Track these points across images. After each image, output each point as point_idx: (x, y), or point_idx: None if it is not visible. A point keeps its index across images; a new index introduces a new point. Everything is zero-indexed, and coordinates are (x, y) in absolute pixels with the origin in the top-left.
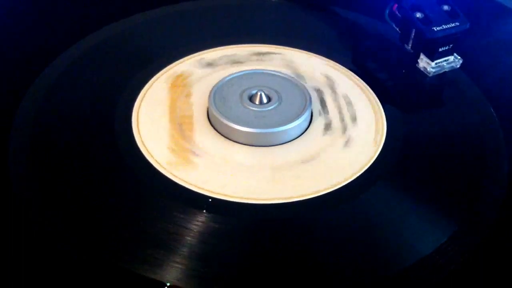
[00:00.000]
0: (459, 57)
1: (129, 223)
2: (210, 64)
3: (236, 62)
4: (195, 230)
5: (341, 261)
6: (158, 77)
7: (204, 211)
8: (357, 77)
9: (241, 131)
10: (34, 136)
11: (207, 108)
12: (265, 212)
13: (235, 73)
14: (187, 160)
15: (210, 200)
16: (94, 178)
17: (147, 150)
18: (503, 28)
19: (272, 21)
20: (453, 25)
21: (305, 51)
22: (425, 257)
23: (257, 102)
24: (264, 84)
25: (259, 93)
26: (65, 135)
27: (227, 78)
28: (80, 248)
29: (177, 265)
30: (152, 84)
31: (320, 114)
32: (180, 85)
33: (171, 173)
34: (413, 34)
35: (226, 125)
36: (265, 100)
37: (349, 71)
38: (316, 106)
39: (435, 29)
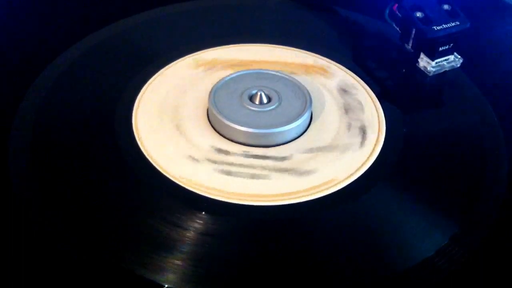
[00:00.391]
0: (459, 57)
1: (129, 223)
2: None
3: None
4: (194, 231)
5: (341, 262)
6: (158, 77)
7: (204, 212)
8: (357, 76)
9: (241, 131)
10: (34, 136)
11: (207, 108)
12: (265, 212)
13: (235, 72)
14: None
15: (209, 201)
16: (94, 178)
17: (146, 150)
18: (504, 27)
19: (272, 21)
20: (453, 24)
21: (304, 51)
22: (426, 258)
23: (257, 102)
24: (264, 84)
25: (259, 93)
26: (65, 135)
27: (227, 78)
28: (80, 248)
29: (176, 265)
30: (152, 84)
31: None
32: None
33: (171, 173)
34: (413, 33)
35: (226, 125)
36: (265, 100)
37: (349, 70)
38: (315, 105)
39: (436, 29)
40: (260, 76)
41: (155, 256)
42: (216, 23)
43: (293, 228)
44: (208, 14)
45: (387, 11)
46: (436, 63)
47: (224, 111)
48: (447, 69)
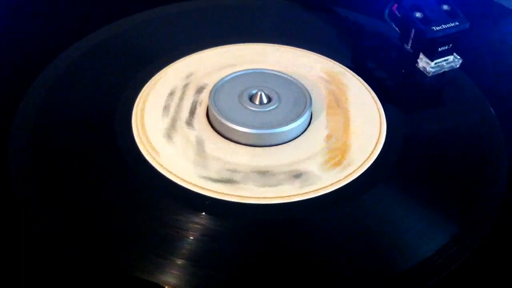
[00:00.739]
0: (458, 57)
1: (129, 223)
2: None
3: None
4: (194, 231)
5: (341, 262)
6: (158, 77)
7: (203, 212)
8: (357, 76)
9: (241, 131)
10: (34, 136)
11: (207, 108)
12: (265, 212)
13: (235, 72)
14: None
15: (208, 202)
16: (94, 178)
17: (147, 150)
18: (503, 27)
19: (272, 21)
20: (452, 24)
21: (305, 50)
22: (426, 258)
23: (257, 102)
24: (264, 84)
25: (259, 93)
26: (65, 135)
27: (227, 78)
28: (80, 248)
29: (176, 265)
30: (152, 84)
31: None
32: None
33: (171, 173)
34: (412, 34)
35: (226, 125)
36: (265, 100)
37: (348, 70)
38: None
39: (435, 29)
40: (260, 76)
41: (155, 256)
42: (216, 23)
43: (293, 228)
44: (208, 14)
45: (387, 11)
46: (436, 63)
47: (224, 111)
48: (446, 69)
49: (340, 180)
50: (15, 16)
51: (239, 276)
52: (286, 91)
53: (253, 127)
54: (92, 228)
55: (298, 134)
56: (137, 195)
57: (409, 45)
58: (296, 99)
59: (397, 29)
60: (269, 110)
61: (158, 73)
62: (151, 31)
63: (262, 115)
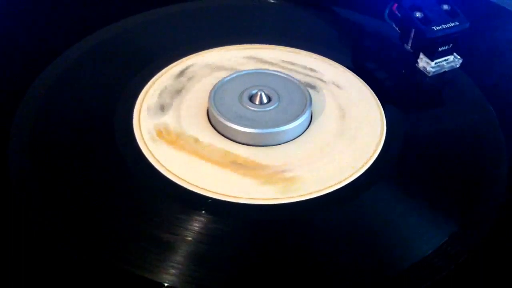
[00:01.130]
0: (459, 57)
1: (128, 223)
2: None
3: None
4: (194, 231)
5: (341, 261)
6: (158, 77)
7: (204, 211)
8: (357, 76)
9: (241, 131)
10: (34, 136)
11: (207, 108)
12: (264, 212)
13: (235, 73)
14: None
15: (209, 200)
16: (94, 178)
17: (147, 149)
18: (503, 27)
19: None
20: (452, 24)
21: (304, 51)
22: (425, 257)
23: (257, 102)
24: (264, 84)
25: (259, 93)
26: (65, 135)
27: (227, 78)
28: (80, 248)
29: (176, 265)
30: (152, 84)
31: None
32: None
33: (171, 173)
34: (412, 33)
35: (226, 125)
36: (265, 100)
37: (348, 70)
38: (315, 105)
39: (435, 29)
40: (260, 76)
41: (155, 256)
42: (217, 24)
43: (293, 228)
44: (209, 14)
45: (387, 11)
46: (436, 63)
47: (224, 111)
48: (446, 69)
49: (340, 180)
50: (15, 16)
51: (239, 276)
52: (286, 91)
53: (253, 127)
54: (92, 228)
55: (298, 134)
56: (137, 195)
57: (409, 45)
58: (296, 99)
59: (397, 29)
60: (269, 110)
61: (158, 73)
62: (151, 31)
63: (262, 115)
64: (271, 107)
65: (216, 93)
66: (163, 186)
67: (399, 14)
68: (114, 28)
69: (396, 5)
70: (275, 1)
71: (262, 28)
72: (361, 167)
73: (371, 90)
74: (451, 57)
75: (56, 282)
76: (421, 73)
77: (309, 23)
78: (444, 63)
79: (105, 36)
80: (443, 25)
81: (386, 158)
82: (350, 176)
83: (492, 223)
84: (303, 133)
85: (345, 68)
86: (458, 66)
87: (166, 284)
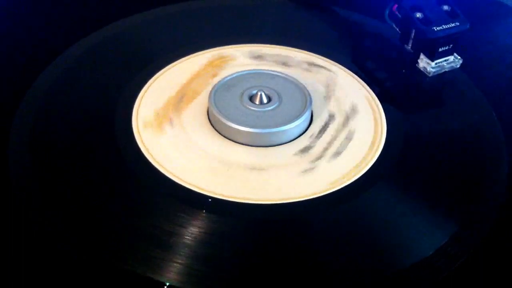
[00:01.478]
0: (459, 57)
1: (128, 223)
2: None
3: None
4: (194, 230)
5: (341, 261)
6: (158, 77)
7: (204, 211)
8: (357, 77)
9: (241, 131)
10: (34, 136)
11: (207, 108)
12: (264, 212)
13: (235, 73)
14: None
15: (210, 200)
16: (94, 178)
17: (147, 149)
18: (503, 28)
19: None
20: (453, 25)
21: (304, 51)
22: (425, 258)
23: (257, 102)
24: (264, 84)
25: (259, 93)
26: (65, 135)
27: (227, 78)
28: (80, 248)
29: (176, 265)
30: (152, 84)
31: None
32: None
33: (171, 173)
34: (413, 34)
35: (226, 125)
36: (265, 100)
37: (348, 70)
38: (315, 105)
39: (435, 29)
40: (260, 76)
41: (155, 256)
42: (217, 23)
43: (293, 227)
44: (209, 14)
45: (387, 12)
46: (436, 63)
47: (224, 111)
48: (447, 69)
49: (340, 180)
50: (15, 16)
51: (239, 276)
52: (286, 91)
53: (253, 127)
54: (92, 228)
55: (298, 134)
56: (137, 194)
57: (410, 45)
58: (296, 99)
59: (397, 29)
60: (269, 110)
61: (158, 73)
62: (151, 31)
63: (262, 115)
64: (271, 107)
65: (216, 93)
66: (163, 186)
67: (399, 15)
68: (113, 28)
69: (396, 5)
70: (276, 1)
71: (263, 28)
72: (361, 167)
73: (371, 90)
74: (451, 58)
75: (56, 282)
76: (421, 73)
77: (309, 23)
78: (444, 63)
79: (105, 36)
80: (443, 26)
81: (386, 158)
82: (351, 176)
83: (492, 223)
84: (303, 133)
85: (345, 68)
86: (458, 66)
87: (167, 284)
